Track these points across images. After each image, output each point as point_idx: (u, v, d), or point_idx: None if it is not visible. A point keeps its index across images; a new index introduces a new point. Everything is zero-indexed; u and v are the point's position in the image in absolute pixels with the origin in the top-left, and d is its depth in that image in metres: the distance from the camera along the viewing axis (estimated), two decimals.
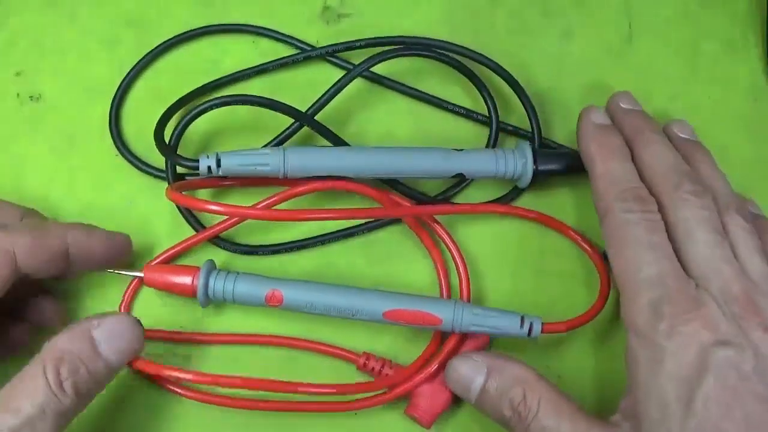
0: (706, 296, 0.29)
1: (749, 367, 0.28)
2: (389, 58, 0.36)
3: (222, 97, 0.34)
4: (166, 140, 0.35)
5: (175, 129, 0.35)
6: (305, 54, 0.39)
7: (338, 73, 0.39)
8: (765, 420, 0.27)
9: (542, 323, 0.33)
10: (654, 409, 0.28)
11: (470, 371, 0.32)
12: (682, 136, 0.36)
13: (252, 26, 0.39)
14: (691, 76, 0.40)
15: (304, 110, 0.36)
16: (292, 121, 0.36)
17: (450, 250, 0.36)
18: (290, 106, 0.35)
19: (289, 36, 0.39)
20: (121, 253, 0.35)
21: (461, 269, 0.35)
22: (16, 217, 0.33)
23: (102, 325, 0.30)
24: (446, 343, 0.34)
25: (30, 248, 0.31)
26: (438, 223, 0.36)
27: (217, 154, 0.34)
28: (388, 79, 0.39)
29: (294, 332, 0.36)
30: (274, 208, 0.35)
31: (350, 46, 0.38)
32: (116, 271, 0.35)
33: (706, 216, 0.31)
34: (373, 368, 0.34)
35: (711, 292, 0.29)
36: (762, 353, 0.28)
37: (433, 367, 0.33)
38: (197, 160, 0.33)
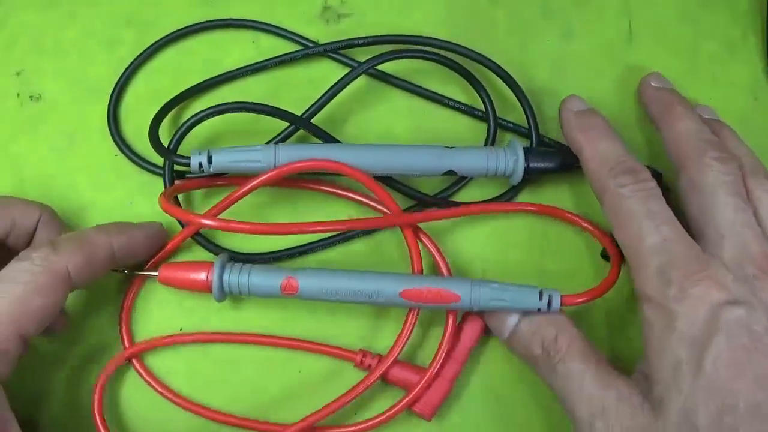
0: (714, 258, 0.30)
1: (761, 326, 0.28)
2: (384, 62, 0.36)
3: (220, 105, 0.34)
4: (164, 141, 0.35)
5: (173, 136, 0.35)
6: (304, 52, 0.39)
7: (338, 70, 0.39)
8: None
9: (561, 295, 0.33)
10: (666, 371, 0.29)
11: (505, 312, 0.33)
12: (707, 116, 0.37)
13: (251, 21, 0.39)
14: (691, 76, 0.40)
15: (303, 108, 0.36)
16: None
17: (434, 257, 0.35)
18: (287, 112, 0.35)
19: (288, 31, 0.39)
20: (159, 245, 0.35)
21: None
22: (35, 217, 0.33)
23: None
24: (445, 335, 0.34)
25: (82, 267, 0.31)
26: (423, 232, 0.36)
27: (208, 151, 0.34)
28: (390, 77, 0.39)
29: (294, 332, 0.36)
30: (272, 221, 0.35)
31: (351, 43, 0.38)
32: (132, 272, 0.35)
33: (729, 180, 0.32)
34: (369, 365, 0.34)
35: (722, 254, 0.30)
36: None
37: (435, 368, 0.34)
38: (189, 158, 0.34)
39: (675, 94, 0.37)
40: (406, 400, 0.33)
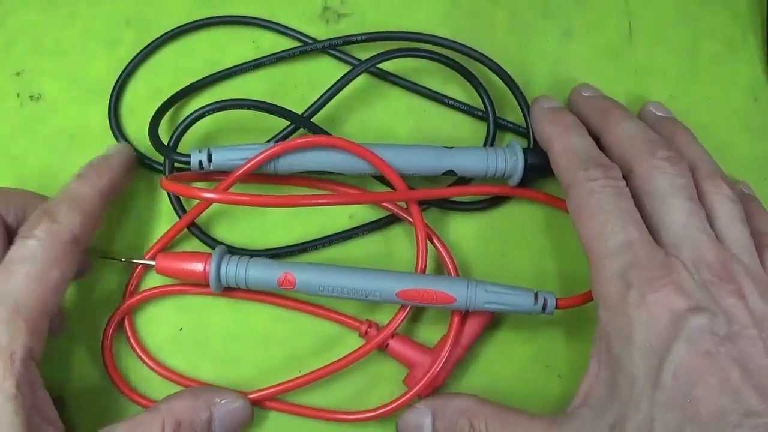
0: (676, 262, 0.28)
1: (722, 332, 0.27)
2: (384, 60, 0.36)
3: (220, 102, 0.35)
4: (164, 140, 0.35)
5: (173, 133, 0.35)
6: (302, 48, 0.38)
7: (337, 68, 0.39)
8: (738, 386, 0.26)
9: (556, 298, 0.33)
10: (624, 386, 0.28)
11: (417, 418, 0.32)
12: (659, 114, 0.36)
13: (250, 17, 0.39)
14: (691, 76, 0.40)
15: (302, 105, 0.36)
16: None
17: (439, 251, 0.36)
18: (288, 110, 0.35)
19: (288, 27, 0.39)
20: (133, 166, 0.36)
21: (452, 271, 0.35)
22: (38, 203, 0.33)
23: (224, 406, 0.32)
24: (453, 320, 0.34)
25: (82, 225, 0.31)
26: (429, 227, 0.36)
27: (208, 149, 0.34)
28: (390, 75, 0.38)
29: (294, 328, 0.36)
30: (268, 194, 0.35)
31: (348, 40, 0.38)
32: (128, 260, 0.35)
33: (681, 184, 0.30)
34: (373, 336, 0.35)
35: (681, 259, 0.29)
36: (735, 320, 0.28)
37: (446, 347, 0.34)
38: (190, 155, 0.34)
39: (609, 100, 0.36)
40: (410, 394, 0.33)
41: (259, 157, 0.33)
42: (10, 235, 0.31)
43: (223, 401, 0.33)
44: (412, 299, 0.33)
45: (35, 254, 0.30)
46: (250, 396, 0.34)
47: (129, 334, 0.35)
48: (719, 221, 0.31)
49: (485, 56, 0.37)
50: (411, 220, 0.35)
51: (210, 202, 0.35)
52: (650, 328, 0.27)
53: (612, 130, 0.33)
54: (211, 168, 0.34)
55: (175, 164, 0.36)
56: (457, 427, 0.31)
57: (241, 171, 0.33)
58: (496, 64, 0.37)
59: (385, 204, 0.36)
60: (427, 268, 0.35)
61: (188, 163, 0.34)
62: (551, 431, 0.29)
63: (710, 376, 0.26)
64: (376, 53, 0.36)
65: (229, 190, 0.34)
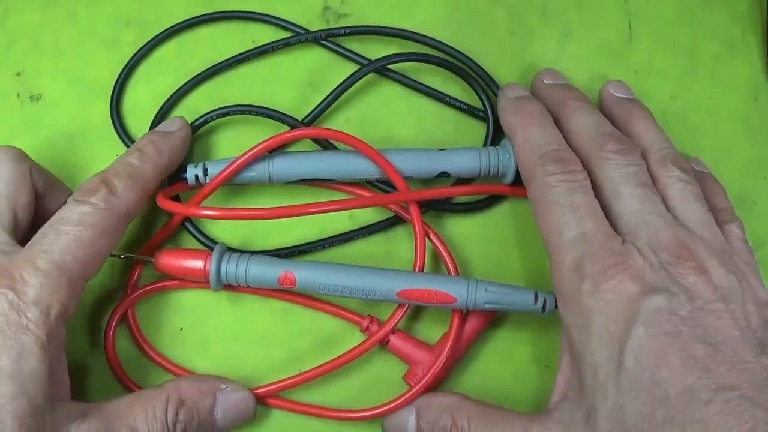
0: (631, 248, 0.29)
1: (684, 311, 0.27)
2: (382, 66, 0.37)
3: (222, 108, 0.36)
4: None
5: None
6: (287, 40, 0.38)
7: (330, 61, 0.39)
8: (706, 362, 0.26)
9: (556, 298, 0.33)
10: (589, 375, 0.28)
11: (401, 416, 0.33)
12: (618, 95, 0.36)
13: (249, 12, 0.39)
14: (691, 76, 0.40)
15: (294, 98, 0.37)
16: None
17: (439, 250, 0.36)
18: (288, 116, 0.36)
19: (287, 21, 0.39)
20: (189, 140, 0.36)
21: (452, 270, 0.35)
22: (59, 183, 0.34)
23: (228, 394, 0.33)
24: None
25: (138, 203, 0.32)
26: (428, 226, 0.36)
27: (203, 164, 0.35)
28: (391, 73, 0.38)
29: (295, 328, 0.36)
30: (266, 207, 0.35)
31: (331, 33, 0.38)
32: (127, 255, 0.35)
33: (631, 172, 0.31)
34: (375, 332, 0.34)
35: (638, 245, 0.29)
36: (698, 296, 0.27)
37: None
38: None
39: (567, 89, 0.35)
40: (411, 393, 0.33)
41: (253, 152, 0.34)
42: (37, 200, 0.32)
43: (227, 389, 0.33)
44: (412, 298, 0.33)
45: (89, 221, 0.30)
46: (254, 391, 0.34)
47: (133, 327, 0.35)
48: (674, 202, 0.31)
49: (468, 57, 0.38)
50: (410, 218, 0.35)
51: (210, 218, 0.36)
52: (607, 315, 0.27)
53: (567, 122, 0.33)
54: (208, 181, 0.35)
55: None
56: (440, 423, 0.32)
57: (227, 171, 0.34)
58: (475, 62, 0.38)
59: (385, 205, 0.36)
60: (426, 268, 0.35)
61: (185, 178, 0.35)
62: (532, 426, 0.30)
63: (673, 355, 0.26)
64: (370, 50, 0.37)
65: (228, 205, 0.34)
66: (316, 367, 0.34)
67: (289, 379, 0.34)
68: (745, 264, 0.30)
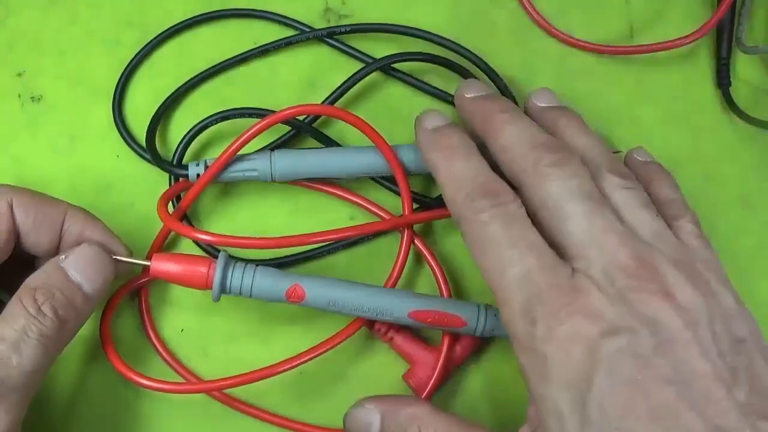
0: (583, 281, 0.26)
1: (648, 349, 0.25)
2: (387, 64, 0.37)
3: (223, 112, 0.36)
4: (167, 148, 0.36)
5: (178, 146, 0.36)
6: (288, 39, 0.38)
7: (333, 61, 0.39)
8: (675, 406, 0.24)
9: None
10: (552, 422, 0.26)
11: (366, 417, 0.31)
12: (542, 105, 0.33)
13: (249, 10, 0.39)
14: (691, 76, 0.40)
15: (295, 96, 0.37)
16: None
17: (428, 262, 0.36)
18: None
19: (290, 18, 0.39)
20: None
21: (442, 284, 0.35)
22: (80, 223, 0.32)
23: (70, 256, 0.30)
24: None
25: (27, 205, 0.31)
26: (417, 235, 0.36)
27: (205, 161, 0.34)
28: (393, 71, 0.38)
29: (297, 332, 0.36)
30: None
31: (333, 30, 0.38)
32: (120, 258, 0.32)
33: (574, 185, 0.28)
34: (379, 330, 0.34)
35: (591, 274, 0.26)
36: (663, 327, 0.25)
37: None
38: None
39: (491, 101, 0.32)
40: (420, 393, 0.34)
41: (244, 137, 0.33)
42: (20, 241, 0.31)
43: (67, 255, 0.30)
44: (423, 320, 0.33)
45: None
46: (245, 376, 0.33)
47: (143, 308, 0.35)
48: (620, 213, 0.28)
49: (469, 51, 0.38)
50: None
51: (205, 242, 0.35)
52: (565, 364, 0.25)
53: (494, 141, 0.30)
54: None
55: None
56: None
57: (236, 144, 0.33)
58: (481, 59, 0.38)
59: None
60: (407, 279, 0.35)
61: (183, 175, 0.35)
62: None
63: (639, 405, 0.24)
64: (372, 49, 0.37)
65: (228, 206, 0.34)
66: (308, 350, 0.33)
67: (281, 363, 0.33)
68: (706, 267, 0.28)
